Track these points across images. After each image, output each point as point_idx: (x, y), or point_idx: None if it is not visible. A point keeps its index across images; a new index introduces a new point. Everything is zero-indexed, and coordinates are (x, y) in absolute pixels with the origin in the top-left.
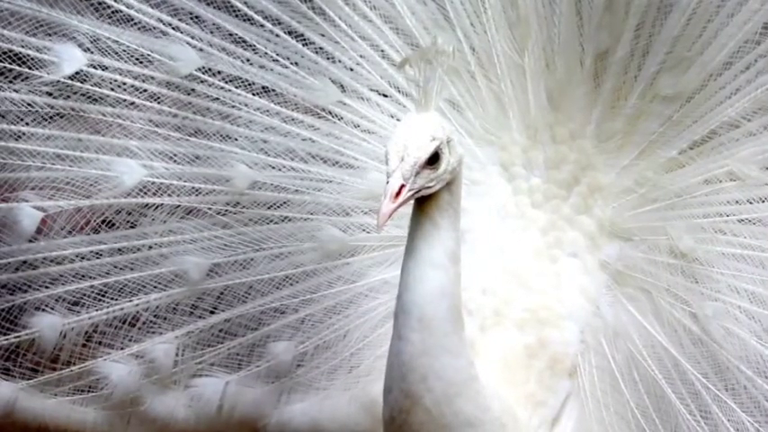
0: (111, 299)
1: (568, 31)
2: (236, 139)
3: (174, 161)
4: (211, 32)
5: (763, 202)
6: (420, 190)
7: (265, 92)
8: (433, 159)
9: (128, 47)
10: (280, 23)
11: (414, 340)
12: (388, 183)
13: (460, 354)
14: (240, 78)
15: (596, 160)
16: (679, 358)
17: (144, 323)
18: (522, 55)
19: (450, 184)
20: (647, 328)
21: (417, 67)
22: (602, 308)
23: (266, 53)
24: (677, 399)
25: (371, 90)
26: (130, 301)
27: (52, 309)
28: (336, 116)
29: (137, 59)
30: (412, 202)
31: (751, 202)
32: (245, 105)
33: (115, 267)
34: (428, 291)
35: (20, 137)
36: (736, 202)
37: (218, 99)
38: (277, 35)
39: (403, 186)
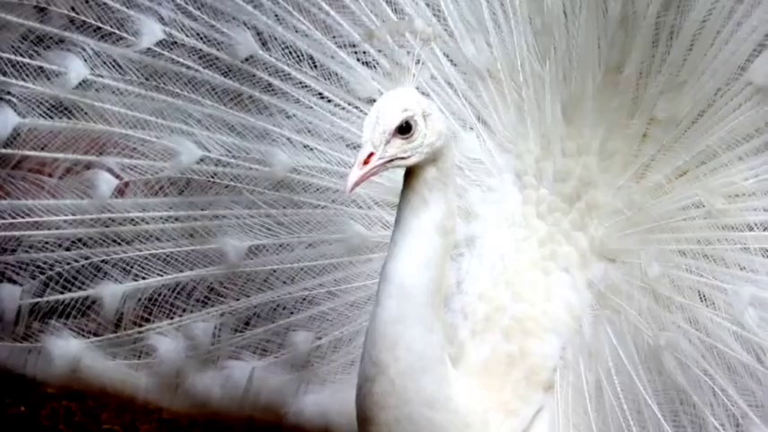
0: (172, 268)
1: (586, 44)
2: (287, 116)
3: (234, 140)
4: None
5: (726, 233)
6: (393, 160)
7: (325, 78)
8: (406, 129)
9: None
10: None
11: (389, 306)
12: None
13: (433, 330)
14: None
15: (598, 178)
16: (640, 386)
17: (198, 297)
18: (544, 64)
19: (438, 161)
20: (618, 353)
21: (386, 40)
22: (584, 327)
23: (333, 37)
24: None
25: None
26: (191, 270)
27: (118, 271)
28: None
29: (208, 41)
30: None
31: (715, 236)
32: (302, 86)
33: (174, 238)
34: (411, 259)
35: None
36: (702, 232)
37: (278, 79)
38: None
39: (372, 154)
